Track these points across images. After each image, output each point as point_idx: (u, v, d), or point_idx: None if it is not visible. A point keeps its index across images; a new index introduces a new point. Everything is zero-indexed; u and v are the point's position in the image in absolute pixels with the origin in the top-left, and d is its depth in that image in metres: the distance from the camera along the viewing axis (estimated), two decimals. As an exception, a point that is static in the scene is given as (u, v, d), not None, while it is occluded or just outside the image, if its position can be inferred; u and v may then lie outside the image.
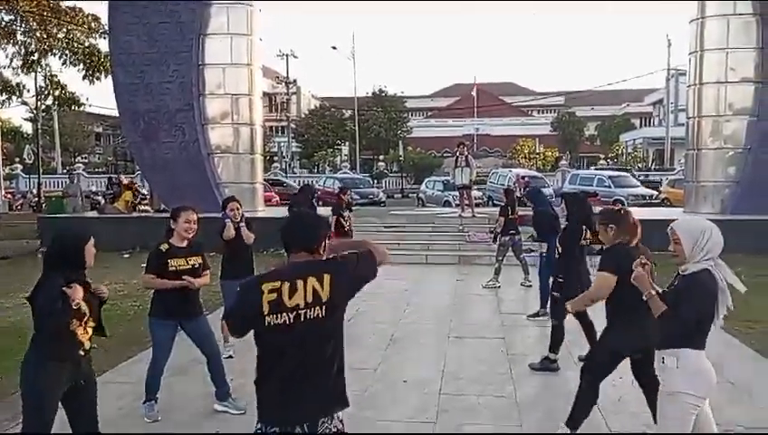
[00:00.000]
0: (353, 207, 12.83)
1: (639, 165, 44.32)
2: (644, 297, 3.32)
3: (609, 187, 23.07)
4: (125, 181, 19.30)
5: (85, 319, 3.45)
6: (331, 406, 2.60)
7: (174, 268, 4.78)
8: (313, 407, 2.57)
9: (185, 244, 4.89)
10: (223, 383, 5.06)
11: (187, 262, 4.85)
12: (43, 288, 3.37)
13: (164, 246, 4.83)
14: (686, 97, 16.63)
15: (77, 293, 3.30)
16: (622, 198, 21.01)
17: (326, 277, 2.54)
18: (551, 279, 7.20)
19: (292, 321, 2.50)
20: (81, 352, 3.51)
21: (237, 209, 6.46)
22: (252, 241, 6.59)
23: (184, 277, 4.78)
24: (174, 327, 4.97)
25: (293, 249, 2.66)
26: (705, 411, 3.31)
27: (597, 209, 9.60)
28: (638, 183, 25.63)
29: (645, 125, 61.04)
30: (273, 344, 2.56)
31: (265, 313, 2.50)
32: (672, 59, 44.13)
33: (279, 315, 2.50)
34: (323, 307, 2.53)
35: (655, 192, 24.45)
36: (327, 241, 2.74)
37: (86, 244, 3.52)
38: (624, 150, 53.43)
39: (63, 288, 3.28)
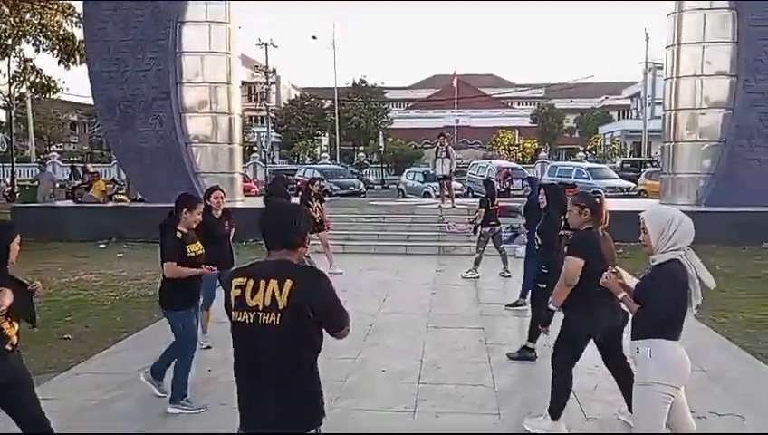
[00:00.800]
0: (327, 198, 12.87)
1: (617, 157, 44.80)
2: (618, 301, 3.40)
3: (588, 178, 23.30)
4: (91, 170, 19.14)
5: (8, 313, 3.29)
6: (286, 423, 2.45)
7: (192, 254, 4.79)
8: (268, 419, 2.47)
9: (188, 230, 4.88)
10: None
11: (198, 247, 4.88)
12: None
13: (179, 233, 4.77)
14: (662, 90, 16.80)
15: (5, 299, 3.21)
16: (600, 190, 21.21)
17: (287, 283, 2.39)
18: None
19: (251, 321, 2.43)
20: (9, 347, 3.37)
21: (221, 198, 6.39)
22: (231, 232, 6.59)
23: (200, 265, 4.83)
24: (194, 314, 4.98)
25: (271, 244, 2.55)
26: (680, 400, 3.34)
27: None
28: (616, 175, 25.92)
29: (623, 117, 61.69)
30: (236, 341, 2.53)
31: (232, 307, 2.49)
32: (650, 52, 44.63)
33: (241, 313, 2.45)
34: (278, 314, 2.38)
35: (632, 184, 24.75)
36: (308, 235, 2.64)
37: (12, 240, 3.43)
38: (602, 142, 53.98)
39: None
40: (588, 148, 52.39)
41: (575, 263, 4.19)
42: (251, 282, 2.45)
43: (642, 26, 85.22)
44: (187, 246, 4.77)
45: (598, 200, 4.44)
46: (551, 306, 4.41)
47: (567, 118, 61.73)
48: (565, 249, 6.05)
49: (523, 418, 4.59)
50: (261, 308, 2.41)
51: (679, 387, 3.27)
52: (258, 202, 14.92)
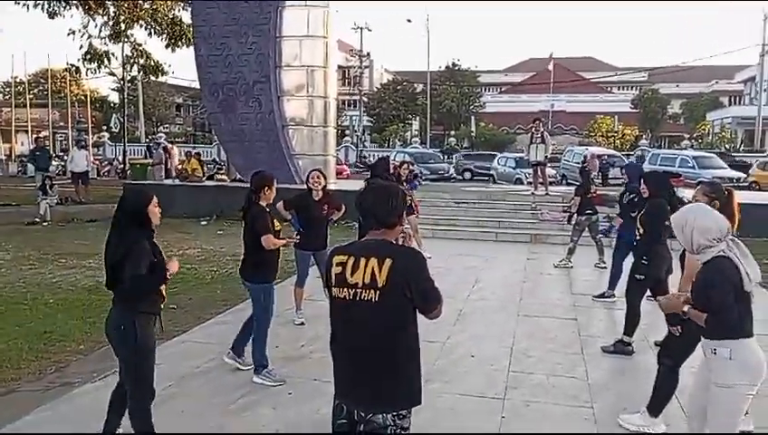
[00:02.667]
0: (420, 183, 12.89)
1: (727, 146, 41.97)
2: (683, 316, 3.30)
3: (693, 167, 21.99)
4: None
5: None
6: (375, 401, 2.50)
7: (278, 228, 5.09)
8: (357, 393, 2.54)
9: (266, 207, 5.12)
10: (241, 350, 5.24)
11: (278, 223, 5.16)
12: (135, 252, 3.53)
13: (266, 209, 5.06)
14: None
15: (174, 266, 3.70)
16: (706, 181, 19.98)
17: (387, 262, 2.44)
18: (625, 261, 7.00)
19: (350, 298, 2.49)
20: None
21: (317, 178, 6.54)
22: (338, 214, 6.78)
23: (285, 238, 5.14)
24: (272, 288, 5.19)
25: (370, 224, 2.61)
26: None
27: (683, 192, 9.26)
28: (725, 164, 24.28)
29: (734, 104, 57.57)
30: (335, 316, 2.61)
31: (332, 284, 2.57)
32: (767, 33, 41.22)
33: (341, 290, 2.52)
34: (377, 292, 2.44)
35: (743, 175, 23.13)
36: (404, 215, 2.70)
37: (148, 204, 3.68)
38: (711, 130, 50.70)
39: (167, 266, 3.65)
40: (694, 135, 49.37)
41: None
42: (351, 259, 2.51)
43: (759, 5, 78.87)
44: (274, 221, 5.05)
45: (727, 194, 4.16)
46: (661, 300, 4.21)
47: (672, 104, 58.29)
48: (669, 241, 5.84)
49: (618, 413, 4.45)
50: (360, 285, 2.47)
51: (758, 385, 3.15)
52: (349, 184, 15.19)
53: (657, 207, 5.71)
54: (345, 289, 2.51)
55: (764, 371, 3.15)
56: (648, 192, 6.07)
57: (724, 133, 47.43)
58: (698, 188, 4.37)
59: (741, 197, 4.08)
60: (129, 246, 3.54)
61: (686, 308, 3.23)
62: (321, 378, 4.80)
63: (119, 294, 3.62)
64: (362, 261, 2.48)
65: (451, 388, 4.99)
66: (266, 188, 5.06)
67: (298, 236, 5.20)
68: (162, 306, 3.80)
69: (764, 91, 43.71)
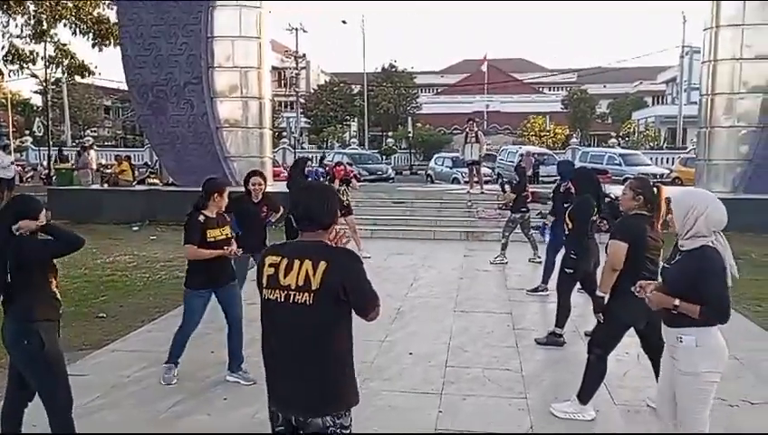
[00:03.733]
0: (358, 183, 12.94)
1: (651, 144, 43.90)
2: (673, 311, 3.18)
3: (620, 164, 22.90)
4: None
5: None
6: (312, 405, 2.48)
7: (212, 239, 4.89)
8: (293, 398, 2.50)
9: (215, 215, 4.98)
10: (237, 354, 5.11)
11: (221, 232, 4.98)
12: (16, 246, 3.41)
13: (201, 217, 4.89)
14: (699, 74, 16.38)
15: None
16: (635, 177, 20.83)
17: (322, 265, 2.41)
18: (558, 255, 7.23)
19: (282, 300, 2.46)
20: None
21: (260, 185, 6.40)
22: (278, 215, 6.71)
23: (224, 247, 4.92)
24: (208, 296, 5.06)
25: (304, 225, 2.57)
26: None
27: (610, 188, 9.57)
28: (650, 161, 25.41)
29: (657, 103, 60.31)
30: (266, 318, 2.57)
31: (264, 285, 2.53)
32: (686, 36, 43.47)
33: (273, 291, 2.49)
34: (311, 294, 2.41)
35: (666, 171, 24.25)
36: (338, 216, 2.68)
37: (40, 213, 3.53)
38: (636, 129, 52.91)
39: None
40: (621, 134, 51.37)
41: (619, 247, 4.12)
42: (284, 261, 2.48)
43: (679, 8, 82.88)
44: (209, 231, 4.87)
45: (655, 190, 4.24)
46: (599, 293, 4.33)
47: (600, 103, 60.51)
48: (596, 235, 6.06)
49: (551, 402, 4.58)
50: (294, 287, 2.43)
51: (721, 372, 3.19)
52: (284, 187, 15.04)
53: (584, 203, 5.93)
54: (277, 291, 2.47)
55: (726, 359, 3.19)
56: (575, 189, 6.29)
57: (648, 132, 49.59)
58: (627, 183, 4.52)
59: (667, 192, 4.23)
60: (18, 248, 3.39)
61: (677, 302, 3.13)
62: (258, 381, 4.74)
63: (10, 305, 3.45)
64: (296, 263, 2.44)
65: (389, 385, 5.02)
66: (216, 194, 4.95)
67: (239, 249, 5.04)
68: (62, 314, 3.64)
69: (685, 91, 46.00)
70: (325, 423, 2.47)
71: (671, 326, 3.22)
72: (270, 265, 2.50)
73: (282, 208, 6.76)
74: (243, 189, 6.56)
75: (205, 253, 4.86)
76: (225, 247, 4.93)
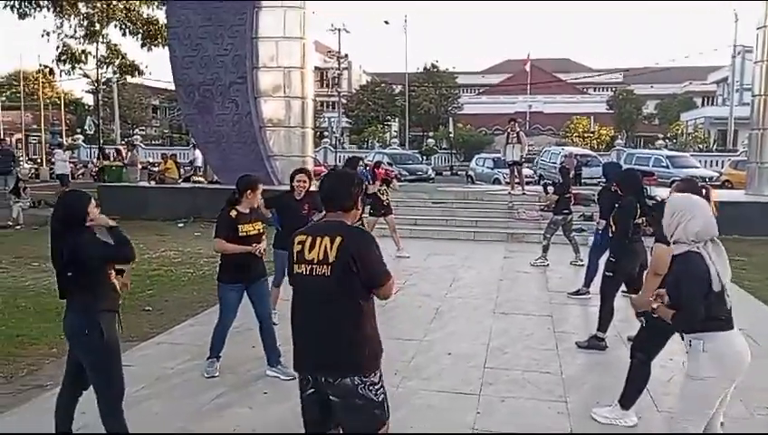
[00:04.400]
0: (398, 183, 12.99)
1: (700, 146, 42.65)
2: (651, 314, 3.33)
3: (667, 167, 22.33)
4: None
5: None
6: (336, 368, 2.69)
7: (244, 233, 5.02)
8: (318, 362, 2.73)
9: (248, 210, 5.10)
10: (273, 349, 5.20)
11: (253, 227, 5.10)
12: (83, 244, 3.48)
13: (233, 213, 5.03)
14: (751, 74, 15.86)
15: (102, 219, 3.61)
16: (681, 178, 20.28)
17: (337, 240, 2.67)
18: (601, 259, 7.11)
19: (307, 273, 2.72)
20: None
21: (304, 182, 6.46)
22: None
23: (252, 244, 5.01)
24: (241, 290, 5.17)
25: (328, 207, 2.84)
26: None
27: (656, 191, 9.36)
28: (698, 164, 24.72)
29: (707, 104, 58.54)
30: (295, 291, 2.83)
31: (294, 261, 2.79)
32: (738, 35, 42.06)
33: (300, 265, 2.75)
34: (329, 267, 2.66)
35: (715, 174, 23.55)
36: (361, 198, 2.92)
37: (88, 205, 3.60)
38: (684, 130, 51.48)
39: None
40: (668, 135, 50.08)
41: (664, 250, 3.95)
42: (309, 239, 2.75)
43: (731, 7, 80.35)
44: (240, 226, 4.99)
45: (704, 191, 4.11)
46: (632, 300, 4.22)
47: (646, 104, 59.03)
48: (640, 238, 5.94)
49: (592, 407, 4.51)
50: (315, 261, 2.70)
51: (735, 380, 3.13)
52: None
53: (627, 205, 5.83)
54: (303, 265, 2.73)
55: (743, 364, 3.11)
56: (619, 191, 6.18)
57: (697, 133, 48.20)
58: (673, 185, 4.42)
59: (716, 195, 4.12)
60: (75, 245, 3.46)
61: (655, 305, 3.24)
62: (297, 376, 4.80)
63: (72, 298, 3.57)
64: (318, 240, 2.71)
65: (428, 385, 5.02)
66: (250, 191, 5.07)
67: (263, 246, 5.13)
68: (121, 304, 3.75)
69: (737, 91, 44.55)
70: (354, 382, 2.67)
71: (684, 332, 3.23)
72: (298, 243, 2.78)
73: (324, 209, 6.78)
74: (284, 188, 6.66)
75: (231, 247, 4.99)
76: (254, 244, 5.03)
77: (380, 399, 2.73)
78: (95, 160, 29.18)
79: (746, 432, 4.24)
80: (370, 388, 2.70)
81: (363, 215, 2.74)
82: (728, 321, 3.13)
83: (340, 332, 2.69)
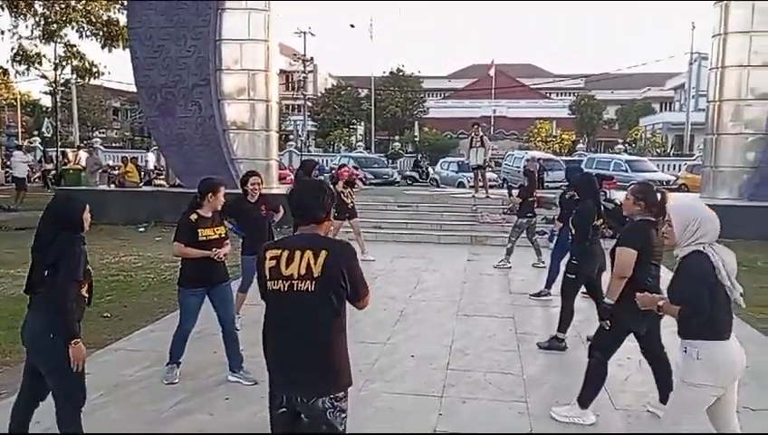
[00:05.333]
0: (362, 186, 13.00)
1: (658, 150, 43.74)
2: (657, 311, 3.30)
3: (626, 171, 22.84)
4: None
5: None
6: (314, 385, 2.63)
7: (204, 238, 4.93)
8: (296, 380, 2.65)
9: (210, 214, 5.03)
10: (236, 354, 5.14)
11: (214, 232, 5.01)
12: (73, 256, 3.44)
13: (193, 216, 4.95)
14: (707, 81, 16.35)
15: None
16: (637, 182, 20.75)
17: (322, 253, 2.59)
18: (562, 261, 7.24)
19: (285, 289, 2.61)
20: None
21: (258, 185, 6.39)
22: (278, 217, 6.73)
23: (212, 249, 4.93)
24: (202, 295, 5.09)
25: (300, 219, 2.74)
26: (729, 397, 3.24)
27: (615, 194, 9.58)
28: (656, 168, 25.36)
29: (665, 110, 60.10)
30: (270, 308, 2.72)
31: (267, 277, 2.67)
32: (695, 42, 43.32)
33: (275, 282, 2.64)
34: (313, 282, 2.58)
35: (672, 177, 24.20)
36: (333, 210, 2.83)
37: (83, 211, 3.59)
38: (643, 135, 52.75)
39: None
40: (628, 140, 51.25)
41: (628, 253, 4.08)
42: (285, 253, 2.63)
43: (688, 15, 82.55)
44: (200, 230, 4.92)
45: (659, 196, 4.25)
46: (607, 300, 4.25)
47: (607, 109, 60.35)
48: (599, 240, 6.08)
49: (551, 406, 4.59)
50: (296, 276, 2.59)
51: (725, 387, 3.16)
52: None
53: (585, 210, 5.96)
54: (280, 281, 2.62)
55: (736, 371, 3.16)
56: (577, 195, 6.32)
57: (655, 138, 49.43)
58: (629, 188, 4.53)
59: (672, 198, 4.23)
60: (65, 249, 3.42)
61: (660, 302, 3.22)
62: (259, 381, 4.77)
63: (42, 298, 3.47)
64: (297, 253, 2.61)
65: (390, 387, 5.03)
66: (211, 194, 4.98)
67: (223, 252, 5.04)
68: (84, 313, 3.68)
69: (693, 97, 45.85)
70: (325, 405, 2.62)
71: (680, 337, 3.23)
72: (271, 258, 2.65)
73: (282, 209, 6.80)
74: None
75: (191, 251, 4.92)
76: (214, 249, 4.94)
77: (342, 428, 2.69)
78: (47, 164, 28.35)
79: (746, 432, 4.34)
80: (338, 414, 2.66)
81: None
82: (727, 330, 3.15)
83: (319, 349, 2.64)
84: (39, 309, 3.50)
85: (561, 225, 8.02)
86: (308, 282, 2.58)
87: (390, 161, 35.21)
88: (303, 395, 2.63)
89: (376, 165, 29.47)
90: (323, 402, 2.62)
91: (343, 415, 2.68)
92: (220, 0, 15.22)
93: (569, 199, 7.93)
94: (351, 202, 10.47)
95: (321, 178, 10.31)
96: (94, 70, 20.79)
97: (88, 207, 3.64)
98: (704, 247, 3.12)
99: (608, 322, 4.28)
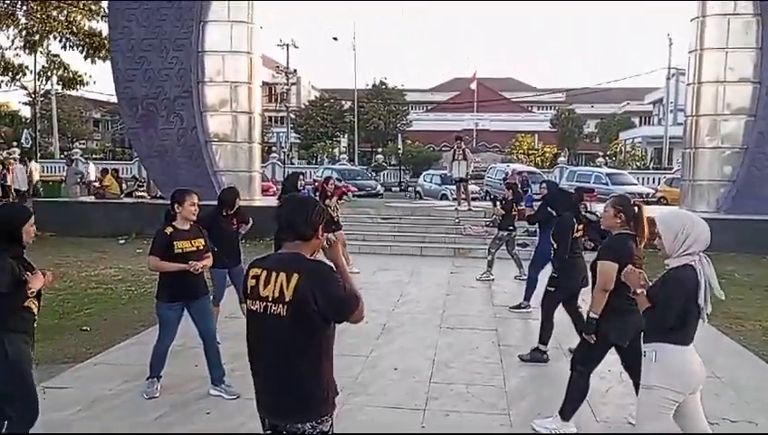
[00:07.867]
0: (345, 199, 13.00)
1: (637, 164, 44.33)
2: (631, 294, 3.40)
3: (607, 184, 23.12)
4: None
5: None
6: (290, 415, 2.54)
7: (180, 250, 4.82)
8: (273, 406, 2.59)
9: (187, 226, 4.93)
10: (217, 367, 5.09)
11: (192, 244, 4.90)
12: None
13: (168, 229, 4.85)
14: (684, 96, 16.64)
15: (36, 282, 3.38)
16: (616, 195, 20.99)
17: (294, 277, 2.45)
18: (541, 273, 7.29)
19: (261, 311, 2.52)
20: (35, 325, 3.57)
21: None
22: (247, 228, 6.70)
23: (189, 262, 4.80)
24: (180, 309, 5.01)
25: (285, 236, 2.62)
26: (692, 406, 3.30)
27: (596, 207, 9.66)
28: (636, 181, 25.69)
29: (644, 124, 61.04)
30: (249, 329, 2.63)
31: (247, 295, 2.60)
32: (673, 58, 44.04)
33: (254, 302, 2.55)
34: (285, 306, 2.46)
35: (651, 190, 24.53)
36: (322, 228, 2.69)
37: (25, 222, 3.47)
38: (623, 149, 53.47)
39: (25, 276, 3.35)
40: (608, 154, 51.91)
41: (610, 267, 4.10)
42: (264, 273, 2.54)
43: (666, 31, 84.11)
44: (176, 242, 4.80)
45: (636, 209, 4.28)
46: (592, 314, 4.24)
47: (588, 123, 61.15)
48: (581, 253, 6.13)
49: (533, 419, 4.60)
50: (270, 299, 2.49)
51: (684, 393, 3.21)
52: (275, 201, 15.04)
53: (564, 223, 6.01)
54: (257, 302, 2.54)
55: (693, 379, 3.22)
56: (555, 211, 6.38)
57: (635, 152, 50.09)
58: (608, 201, 4.57)
59: (650, 211, 4.29)
60: None
61: (639, 291, 3.28)
62: (243, 395, 4.74)
63: None
64: (273, 275, 2.51)
65: (373, 400, 5.02)
66: (177, 204, 4.87)
67: (203, 260, 4.93)
68: (36, 326, 3.55)
69: (671, 112, 46.61)
70: (305, 430, 2.51)
71: (643, 341, 3.33)
72: (252, 277, 2.57)
73: (250, 220, 6.91)
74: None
75: (166, 265, 4.80)
76: (191, 262, 4.81)
77: None
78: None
79: (746, 432, 4.39)
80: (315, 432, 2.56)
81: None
82: (688, 336, 3.21)
83: (292, 375, 2.52)
84: None
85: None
86: (280, 306, 2.46)
87: (374, 174, 35.26)
88: (281, 421, 2.56)
89: (359, 177, 29.48)
90: (303, 426, 2.53)
91: None
92: (202, 13, 15.21)
93: (547, 213, 7.98)
94: (337, 215, 10.47)
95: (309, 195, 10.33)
96: (78, 79, 20.56)
97: (32, 219, 3.51)
98: (695, 262, 3.16)
99: (593, 336, 4.28)
